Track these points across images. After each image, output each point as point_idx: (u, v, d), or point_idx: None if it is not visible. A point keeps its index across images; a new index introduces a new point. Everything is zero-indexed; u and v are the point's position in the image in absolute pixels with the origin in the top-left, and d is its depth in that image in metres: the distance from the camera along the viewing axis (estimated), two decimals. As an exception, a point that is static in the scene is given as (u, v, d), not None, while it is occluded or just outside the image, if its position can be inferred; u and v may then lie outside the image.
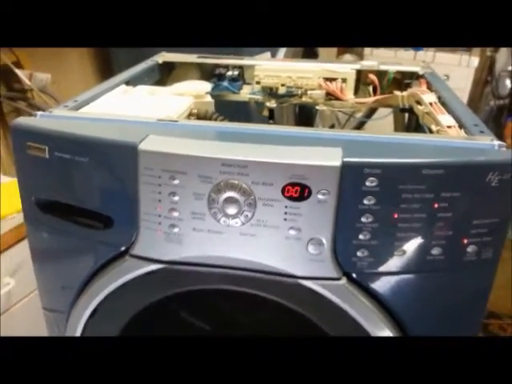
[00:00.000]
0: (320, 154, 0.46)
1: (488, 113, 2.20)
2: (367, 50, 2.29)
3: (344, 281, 0.49)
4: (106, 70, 1.51)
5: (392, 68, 0.86)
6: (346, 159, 0.45)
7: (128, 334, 0.57)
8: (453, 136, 0.55)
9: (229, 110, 0.82)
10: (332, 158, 0.45)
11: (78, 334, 0.58)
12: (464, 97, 2.15)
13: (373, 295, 0.50)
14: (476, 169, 0.46)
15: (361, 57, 2.23)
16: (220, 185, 0.46)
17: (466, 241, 0.48)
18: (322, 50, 1.71)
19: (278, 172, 0.45)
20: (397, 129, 0.92)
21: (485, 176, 0.46)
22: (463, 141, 0.52)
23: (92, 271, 0.54)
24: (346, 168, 0.45)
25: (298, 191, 0.46)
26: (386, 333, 0.50)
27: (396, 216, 0.46)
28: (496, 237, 0.49)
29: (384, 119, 0.93)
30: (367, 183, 0.45)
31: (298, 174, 0.45)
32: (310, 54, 1.56)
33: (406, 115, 0.88)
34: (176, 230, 0.48)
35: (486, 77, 2.24)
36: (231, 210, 0.47)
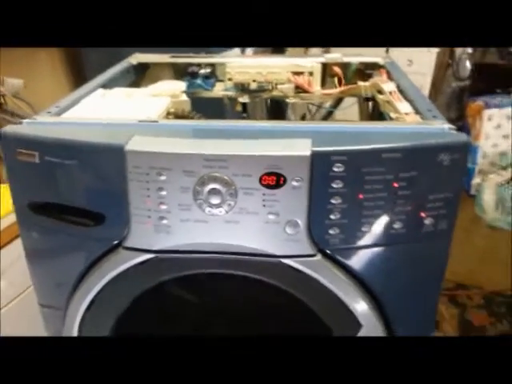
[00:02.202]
0: (292, 146, 0.51)
1: (450, 94, 2.29)
2: (333, 41, 2.35)
3: (319, 257, 0.54)
4: (78, 73, 1.51)
5: (355, 60, 0.92)
6: (314, 149, 0.50)
7: (123, 324, 0.61)
8: (409, 122, 0.61)
9: (203, 106, 0.86)
10: (302, 148, 0.51)
11: (75, 327, 0.62)
12: (427, 80, 2.24)
13: (346, 268, 0.56)
14: (429, 150, 0.52)
15: (327, 49, 2.28)
16: (203, 178, 0.51)
17: (423, 214, 0.54)
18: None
19: (256, 163, 0.50)
20: (361, 117, 0.99)
21: (437, 156, 0.52)
22: (418, 126, 0.58)
23: (86, 266, 0.58)
24: (315, 156, 0.50)
25: (274, 180, 0.51)
26: (361, 303, 0.56)
27: (361, 196, 0.52)
28: (450, 209, 0.55)
29: (350, 108, 0.99)
30: (335, 169, 0.51)
31: (273, 164, 0.50)
32: (278, 50, 1.60)
33: (370, 104, 0.94)
34: (165, 221, 0.53)
35: (447, 60, 2.33)
36: (215, 200, 0.51)
